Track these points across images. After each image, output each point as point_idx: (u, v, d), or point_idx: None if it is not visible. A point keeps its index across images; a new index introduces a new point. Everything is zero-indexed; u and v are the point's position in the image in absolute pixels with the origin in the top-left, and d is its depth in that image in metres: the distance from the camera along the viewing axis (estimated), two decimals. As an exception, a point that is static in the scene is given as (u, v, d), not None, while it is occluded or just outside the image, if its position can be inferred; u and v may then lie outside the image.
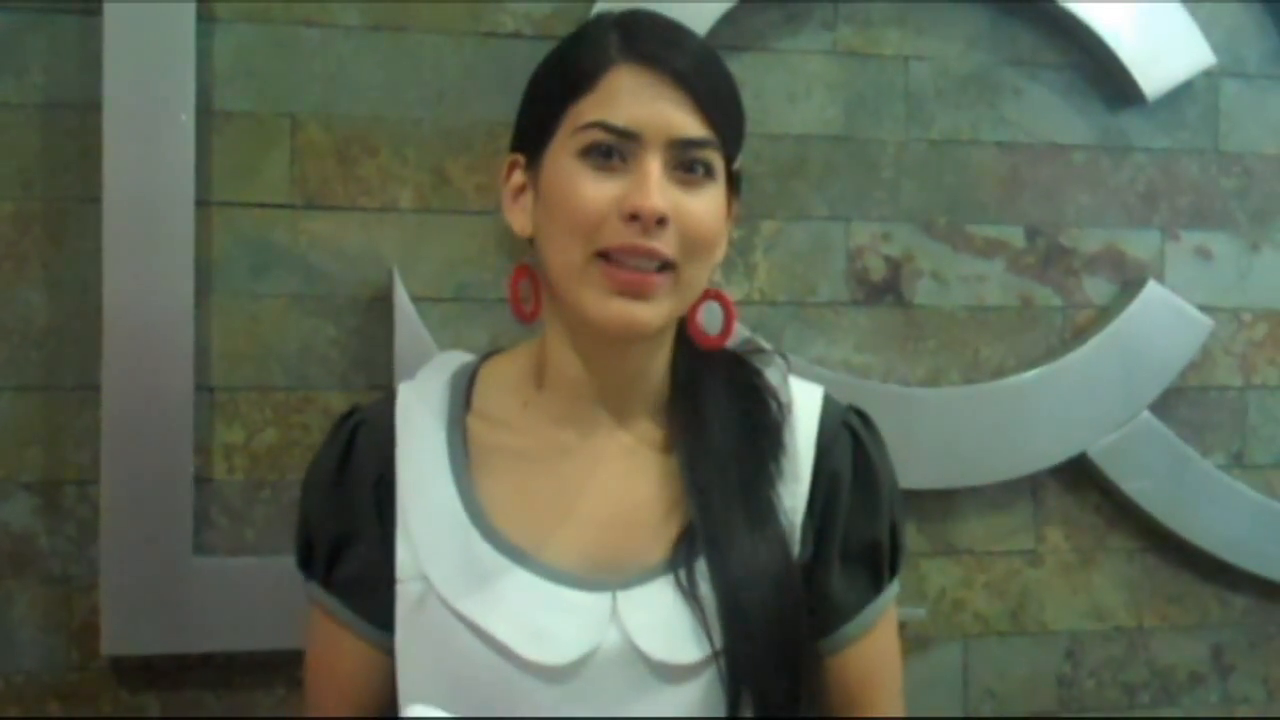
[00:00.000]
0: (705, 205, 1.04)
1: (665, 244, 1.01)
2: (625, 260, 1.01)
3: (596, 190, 1.02)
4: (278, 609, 1.52)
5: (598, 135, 1.02)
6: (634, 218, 1.00)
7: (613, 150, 1.02)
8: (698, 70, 1.05)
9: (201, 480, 1.60)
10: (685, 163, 1.04)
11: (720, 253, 1.09)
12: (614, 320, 1.02)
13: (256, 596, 1.57)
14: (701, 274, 1.06)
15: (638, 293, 1.02)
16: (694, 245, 1.03)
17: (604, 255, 1.02)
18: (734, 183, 1.11)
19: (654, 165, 1.02)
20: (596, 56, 1.05)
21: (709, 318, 1.12)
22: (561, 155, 1.04)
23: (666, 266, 1.02)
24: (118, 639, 1.55)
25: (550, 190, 1.05)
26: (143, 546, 1.54)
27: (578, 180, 1.03)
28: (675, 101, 1.03)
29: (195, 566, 1.57)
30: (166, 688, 1.61)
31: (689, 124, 1.03)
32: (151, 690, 1.61)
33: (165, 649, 1.58)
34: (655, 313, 1.03)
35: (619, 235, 1.01)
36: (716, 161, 1.05)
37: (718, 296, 1.12)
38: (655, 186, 1.01)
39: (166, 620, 1.56)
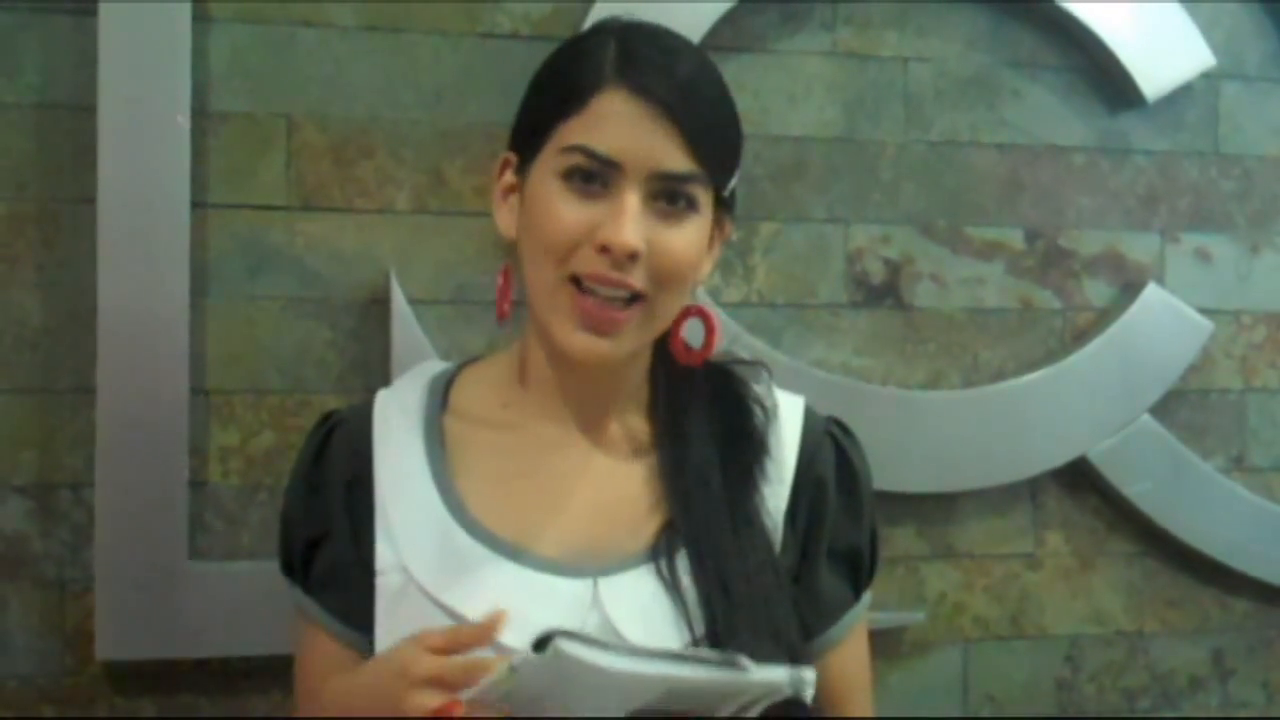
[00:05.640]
0: (683, 239, 1.04)
1: (636, 277, 1.02)
2: (595, 289, 1.02)
3: (573, 215, 1.02)
4: (273, 614, 1.49)
5: (580, 160, 1.02)
6: (606, 250, 1.00)
7: (594, 175, 1.02)
8: (690, 99, 1.03)
9: (197, 484, 1.59)
10: (667, 194, 1.03)
11: (699, 281, 1.10)
12: (579, 353, 1.03)
13: (252, 601, 1.55)
14: (674, 304, 1.07)
15: (604, 329, 1.02)
16: (667, 278, 1.03)
17: (575, 279, 1.02)
18: (726, 204, 1.10)
19: (632, 198, 1.01)
20: (590, 75, 1.03)
21: (692, 333, 1.12)
22: (546, 172, 1.04)
23: (637, 298, 1.03)
24: (112, 644, 1.54)
25: (531, 205, 1.05)
26: (138, 550, 1.53)
27: (557, 202, 1.02)
28: (662, 133, 1.02)
29: (190, 571, 1.56)
30: (161, 693, 1.60)
31: (674, 157, 1.02)
32: (146, 695, 1.60)
33: (160, 654, 1.57)
34: (620, 346, 1.04)
35: (590, 264, 1.01)
36: (701, 194, 1.04)
37: (700, 313, 1.12)
38: (630, 221, 1.00)
39: (161, 625, 1.55)
